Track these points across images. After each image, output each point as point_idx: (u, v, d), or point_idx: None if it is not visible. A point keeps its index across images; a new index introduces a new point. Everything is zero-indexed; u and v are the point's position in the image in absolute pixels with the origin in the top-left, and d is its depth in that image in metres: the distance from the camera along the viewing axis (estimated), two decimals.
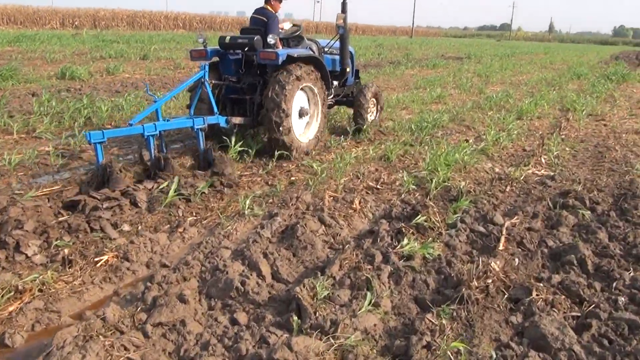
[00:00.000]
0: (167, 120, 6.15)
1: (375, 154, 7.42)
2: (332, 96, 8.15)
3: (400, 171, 6.70)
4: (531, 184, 6.39)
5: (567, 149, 8.46)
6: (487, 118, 10.54)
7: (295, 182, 6.13)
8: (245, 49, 6.96)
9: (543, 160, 7.50)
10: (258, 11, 7.40)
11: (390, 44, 45.42)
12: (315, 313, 3.22)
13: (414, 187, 5.96)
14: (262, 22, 7.21)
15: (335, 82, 8.29)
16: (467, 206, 5.38)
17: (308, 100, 7.33)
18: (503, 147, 8.25)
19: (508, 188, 6.17)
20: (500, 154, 7.89)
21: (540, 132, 9.71)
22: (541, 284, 3.71)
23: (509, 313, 3.44)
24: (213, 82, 6.89)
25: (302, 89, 6.96)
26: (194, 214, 5.03)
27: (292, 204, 5.24)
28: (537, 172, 7.00)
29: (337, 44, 8.12)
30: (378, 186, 6.05)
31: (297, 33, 7.77)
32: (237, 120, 6.86)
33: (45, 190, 5.26)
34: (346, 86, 8.64)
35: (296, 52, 6.92)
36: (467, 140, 8.48)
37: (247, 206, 5.00)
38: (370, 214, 5.28)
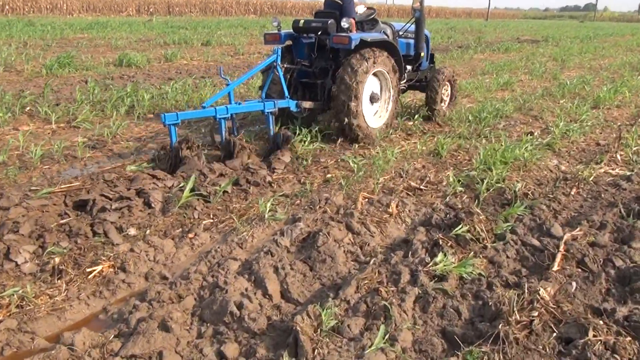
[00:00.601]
0: (239, 104, 6.22)
1: (425, 148, 6.76)
2: (405, 81, 7.95)
3: (451, 168, 6.04)
4: (602, 186, 5.56)
5: None
6: (558, 107, 9.57)
7: (330, 180, 5.59)
8: (319, 33, 6.89)
9: (619, 157, 6.59)
10: None
11: (463, 27, 43.67)
12: (314, 351, 2.71)
13: (461, 189, 5.28)
14: (337, 5, 7.03)
15: (409, 67, 8.03)
16: (522, 212, 4.68)
17: (380, 85, 7.10)
18: (573, 141, 7.36)
19: (573, 191, 5.38)
20: (568, 149, 7.02)
21: (619, 124, 8.68)
22: (601, 321, 3.01)
23: (557, 358, 2.79)
24: (285, 65, 6.83)
25: (374, 74, 6.79)
26: (212, 216, 4.61)
27: (319, 207, 4.72)
28: (610, 170, 6.13)
29: (413, 27, 7.83)
30: (422, 186, 5.42)
31: (372, 16, 7.55)
32: (307, 104, 6.78)
33: (63, 186, 4.99)
34: (420, 70, 8.31)
35: (369, 36, 6.72)
36: (531, 133, 7.64)
37: (267, 209, 4.52)
38: (408, 219, 4.68)
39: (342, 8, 6.95)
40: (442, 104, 8.36)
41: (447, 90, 8.52)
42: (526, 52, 21.15)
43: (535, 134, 7.66)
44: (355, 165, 5.63)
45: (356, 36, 6.41)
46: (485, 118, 7.97)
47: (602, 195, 5.27)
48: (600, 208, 4.94)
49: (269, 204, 4.58)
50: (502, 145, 6.39)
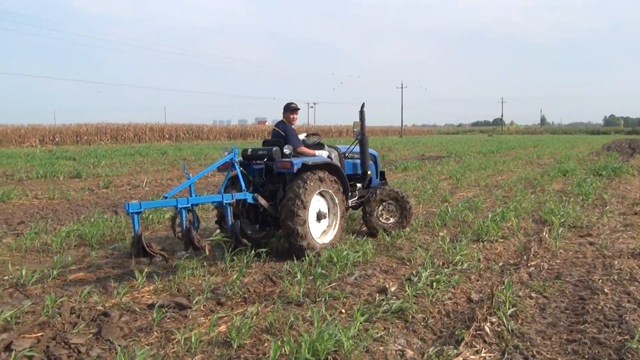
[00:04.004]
0: (199, 196, 6.91)
1: (223, 330, 4.72)
2: (356, 198, 8.68)
3: None
4: None
5: (532, 295, 5.76)
6: (433, 244, 7.91)
7: None
8: (265, 160, 7.55)
9: (487, 329, 4.74)
10: (277, 125, 8.10)
11: (375, 145, 43.86)
12: None
13: None
14: (281, 134, 7.85)
15: (359, 184, 8.80)
16: None
17: (327, 204, 7.63)
18: (436, 300, 5.53)
19: None
20: (427, 315, 5.13)
21: (501, 263, 7.05)
22: None
23: None
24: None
25: (319, 193, 7.35)
26: None
27: None
28: (472, 357, 4.25)
29: (357, 148, 8.71)
30: None
31: (318, 142, 8.40)
32: (263, 201, 7.14)
33: None
34: (371, 187, 8.94)
35: (310, 160, 7.38)
36: (384, 290, 5.78)
37: None
38: None
39: (286, 137, 7.75)
40: (381, 221, 8.59)
41: (386, 208, 8.66)
42: (424, 171, 20.24)
43: (391, 290, 5.80)
44: None
45: (298, 161, 7.07)
46: (319, 276, 6.01)
47: None
48: None
49: None
50: (314, 325, 4.41)
